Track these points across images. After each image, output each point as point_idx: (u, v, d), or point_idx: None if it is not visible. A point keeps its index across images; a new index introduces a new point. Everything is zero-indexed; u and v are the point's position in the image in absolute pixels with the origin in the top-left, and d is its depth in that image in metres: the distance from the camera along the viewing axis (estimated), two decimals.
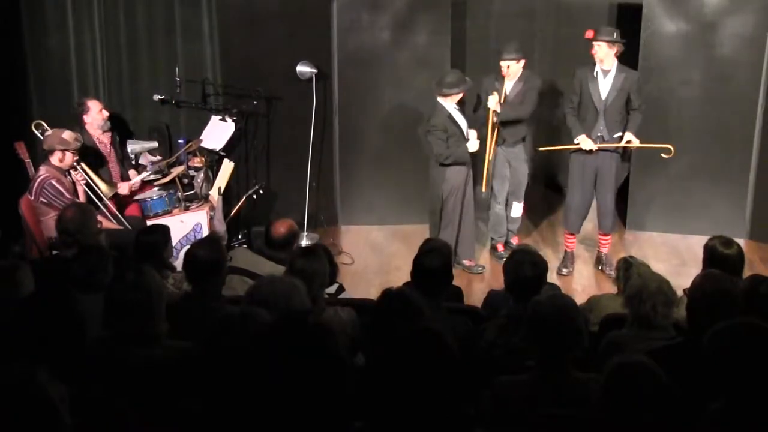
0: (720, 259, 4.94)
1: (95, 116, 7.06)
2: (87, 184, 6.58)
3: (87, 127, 7.05)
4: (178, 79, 7.73)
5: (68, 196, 6.34)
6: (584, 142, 7.00)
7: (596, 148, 6.97)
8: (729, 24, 7.74)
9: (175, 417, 3.10)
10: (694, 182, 7.92)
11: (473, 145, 6.98)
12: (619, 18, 8.58)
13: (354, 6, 8.16)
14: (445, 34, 8.22)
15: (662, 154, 7.04)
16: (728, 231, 6.63)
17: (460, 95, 7.00)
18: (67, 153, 6.44)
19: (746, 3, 7.69)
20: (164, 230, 5.36)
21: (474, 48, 9.06)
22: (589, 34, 6.89)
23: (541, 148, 7.38)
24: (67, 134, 6.47)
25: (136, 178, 7.08)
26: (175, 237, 6.65)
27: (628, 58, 7.71)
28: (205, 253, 4.39)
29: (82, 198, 6.53)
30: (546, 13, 9.18)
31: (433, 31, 8.20)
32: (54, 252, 5.98)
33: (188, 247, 6.69)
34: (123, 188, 6.97)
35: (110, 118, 7.22)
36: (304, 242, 7.67)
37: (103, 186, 6.62)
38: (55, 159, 6.43)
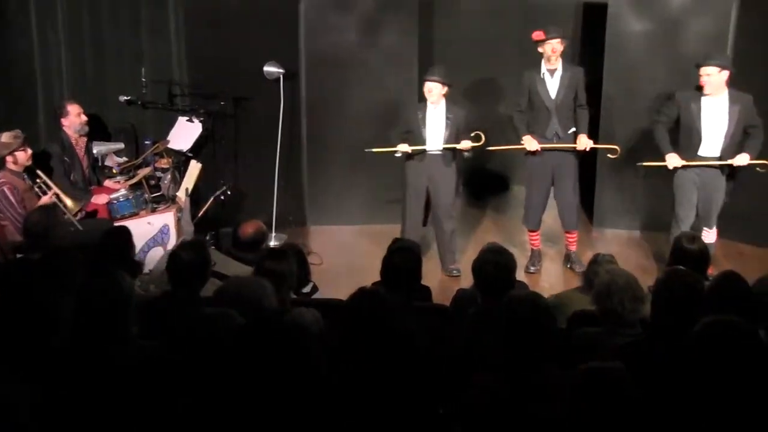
0: (685, 254, 5.01)
1: (73, 119, 7.02)
2: (57, 196, 6.54)
3: (65, 129, 7.01)
4: (144, 79, 7.67)
5: (18, 209, 6.28)
6: (529, 142, 7.06)
7: (539, 149, 7.04)
8: (693, 23, 7.82)
9: (148, 417, 3.08)
10: (660, 179, 7.99)
11: (402, 146, 6.99)
12: (585, 17, 8.65)
13: (321, 6, 8.15)
14: (413, 34, 8.24)
15: (608, 155, 7.09)
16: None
17: (427, 91, 6.96)
18: (17, 153, 6.40)
19: (709, 2, 7.79)
20: (125, 232, 5.32)
21: (442, 47, 9.09)
22: (540, 35, 6.89)
23: (490, 148, 7.39)
24: (4, 137, 6.42)
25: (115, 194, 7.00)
26: (143, 239, 6.62)
27: (594, 58, 7.79)
28: (191, 256, 4.36)
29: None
30: (513, 13, 9.22)
31: (400, 31, 8.21)
32: (18, 255, 5.91)
33: (157, 248, 6.78)
34: (102, 199, 6.92)
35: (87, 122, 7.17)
36: (273, 243, 7.66)
37: (69, 202, 6.56)
38: (9, 164, 6.40)
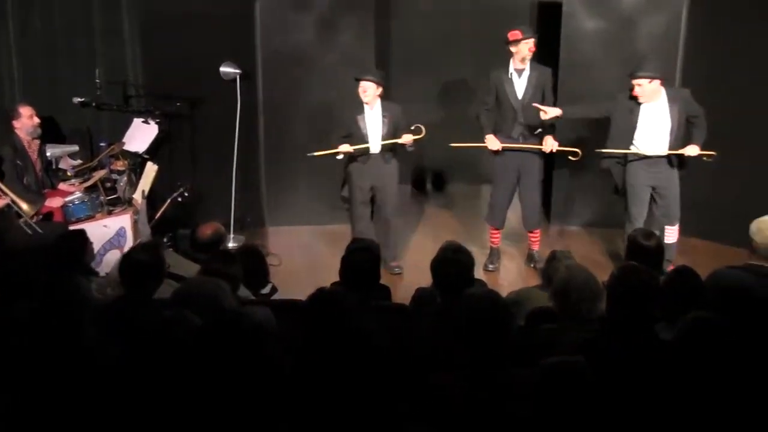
0: (640, 250, 5.08)
1: (25, 122, 6.92)
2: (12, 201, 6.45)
3: (17, 131, 6.91)
4: (98, 81, 7.58)
5: None
6: (491, 142, 7.11)
7: (500, 149, 7.09)
8: (645, 21, 7.96)
9: (106, 419, 3.05)
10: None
11: (344, 147, 7.00)
12: (540, 17, 8.73)
13: (277, 6, 8.13)
14: (370, 33, 8.26)
15: (570, 157, 7.14)
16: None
17: (362, 91, 6.95)
18: None
19: (661, 1, 7.92)
20: (82, 235, 5.26)
21: (399, 46, 9.11)
22: (517, 34, 6.91)
23: (453, 145, 7.43)
24: None
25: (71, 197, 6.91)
26: (99, 242, 6.54)
27: (549, 56, 7.85)
28: (146, 258, 4.33)
29: None
30: (470, 13, 9.28)
31: (357, 30, 8.22)
32: None
33: (113, 251, 6.71)
34: (56, 202, 6.82)
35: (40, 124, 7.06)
36: (231, 244, 7.62)
37: (24, 206, 6.47)
38: None
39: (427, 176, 9.85)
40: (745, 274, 4.58)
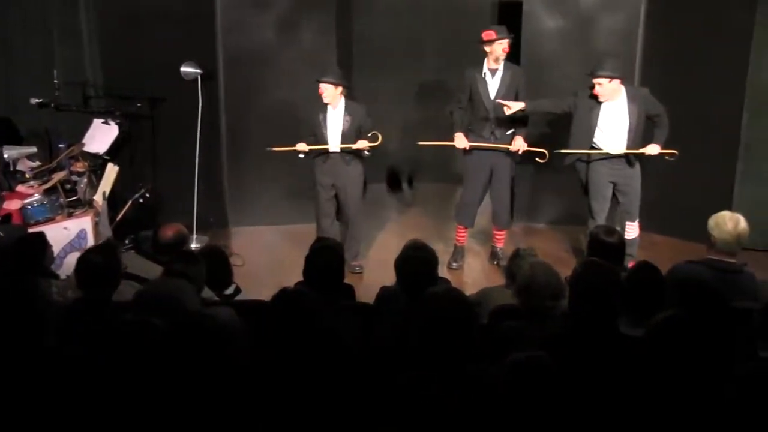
0: (602, 246, 5.13)
1: None
2: None
3: None
4: (56, 81, 7.49)
5: None
6: (459, 140, 7.14)
7: (467, 147, 7.12)
8: (604, 19, 8.05)
9: (67, 425, 3.03)
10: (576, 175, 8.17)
11: (300, 146, 7.04)
12: (501, 15, 8.78)
13: (238, 5, 8.08)
14: (331, 32, 8.24)
15: (537, 159, 7.17)
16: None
17: (320, 93, 6.95)
18: None
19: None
20: (41, 238, 5.20)
21: (361, 45, 9.11)
22: (491, 34, 6.93)
23: (420, 143, 7.45)
24: None
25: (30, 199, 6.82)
26: (59, 244, 6.47)
27: (510, 55, 7.90)
28: (100, 259, 4.29)
29: None
30: (431, 11, 9.30)
31: (319, 29, 8.21)
32: None
33: (74, 253, 6.63)
34: (14, 204, 6.72)
35: None
36: (194, 245, 7.57)
37: None
38: None
39: (399, 174, 9.86)
40: (703, 268, 4.67)
